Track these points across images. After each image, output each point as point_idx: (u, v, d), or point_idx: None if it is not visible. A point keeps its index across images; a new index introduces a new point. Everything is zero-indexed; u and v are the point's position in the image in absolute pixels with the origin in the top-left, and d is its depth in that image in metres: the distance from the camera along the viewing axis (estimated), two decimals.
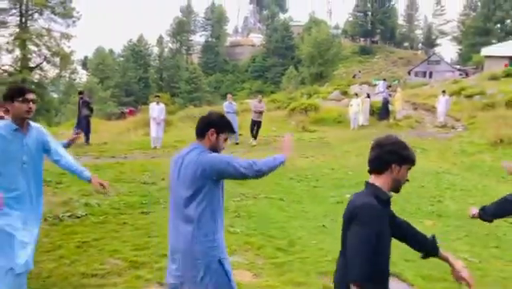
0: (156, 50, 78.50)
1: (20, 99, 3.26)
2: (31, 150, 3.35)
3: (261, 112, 15.37)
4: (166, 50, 79.52)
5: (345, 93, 29.24)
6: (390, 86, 32.56)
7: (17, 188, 3.27)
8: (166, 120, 15.97)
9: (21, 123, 3.30)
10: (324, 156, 12.53)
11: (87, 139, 13.42)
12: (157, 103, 13.93)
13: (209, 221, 2.68)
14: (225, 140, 2.85)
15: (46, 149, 3.44)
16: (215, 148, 2.78)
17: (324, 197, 7.89)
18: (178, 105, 42.82)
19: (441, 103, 19.49)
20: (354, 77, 43.22)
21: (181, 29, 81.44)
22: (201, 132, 2.80)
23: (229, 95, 15.90)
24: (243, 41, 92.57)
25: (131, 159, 11.23)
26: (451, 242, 5.37)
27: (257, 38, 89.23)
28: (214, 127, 2.76)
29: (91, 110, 13.95)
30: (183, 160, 2.74)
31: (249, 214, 6.60)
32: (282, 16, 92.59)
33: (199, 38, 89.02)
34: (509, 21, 71.60)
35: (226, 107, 14.86)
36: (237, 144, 15.03)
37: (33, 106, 3.33)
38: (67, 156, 3.52)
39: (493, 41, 65.04)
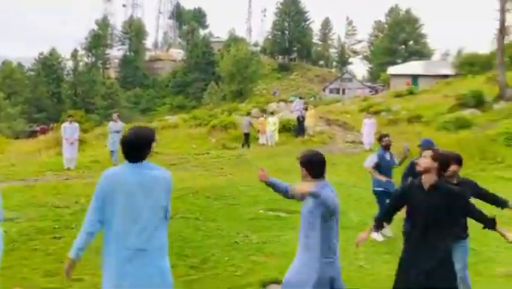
0: (70, 64, 75.12)
1: None
2: None
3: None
4: (81, 64, 76.31)
5: (264, 110, 30.20)
6: (306, 103, 34.08)
7: None
8: (80, 139, 15.56)
9: None
10: (242, 174, 12.91)
11: None
12: (70, 122, 13.56)
13: None
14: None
15: None
16: None
17: (239, 214, 8.22)
18: (94, 122, 41.31)
19: (367, 127, 17.85)
20: (273, 94, 44.61)
21: (97, 42, 78.89)
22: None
23: (114, 115, 14.96)
24: (163, 55, 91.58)
25: (42, 181, 10.82)
26: (350, 252, 5.91)
27: (177, 54, 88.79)
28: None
29: None
30: None
31: None
32: (202, 32, 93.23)
33: (116, 52, 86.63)
34: (411, 42, 78.27)
35: (111, 126, 14.14)
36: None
37: None
38: None
39: (398, 60, 70.86)
